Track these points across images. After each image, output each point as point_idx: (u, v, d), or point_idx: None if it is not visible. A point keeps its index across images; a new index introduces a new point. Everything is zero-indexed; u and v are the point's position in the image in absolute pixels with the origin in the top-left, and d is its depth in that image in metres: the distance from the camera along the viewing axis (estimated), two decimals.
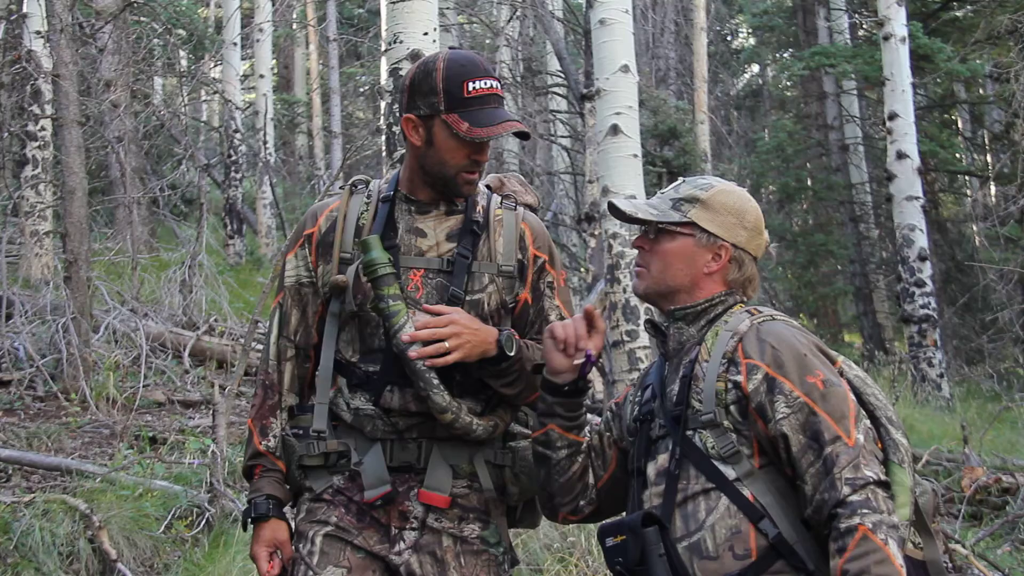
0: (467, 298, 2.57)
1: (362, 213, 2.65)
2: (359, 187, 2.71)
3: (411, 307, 2.53)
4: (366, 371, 2.58)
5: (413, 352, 2.46)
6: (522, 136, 2.60)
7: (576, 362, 2.43)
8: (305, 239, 2.68)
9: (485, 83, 2.52)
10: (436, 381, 2.47)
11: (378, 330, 2.55)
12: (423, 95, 2.54)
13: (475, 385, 2.58)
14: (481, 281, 2.60)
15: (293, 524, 2.65)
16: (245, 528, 2.66)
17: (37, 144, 10.00)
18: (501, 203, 2.70)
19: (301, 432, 2.61)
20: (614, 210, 2.50)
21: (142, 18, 12.53)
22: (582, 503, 2.54)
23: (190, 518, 5.28)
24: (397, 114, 5.47)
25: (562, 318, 2.65)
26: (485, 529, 2.61)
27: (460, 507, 2.59)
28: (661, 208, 2.43)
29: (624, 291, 7.16)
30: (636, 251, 2.49)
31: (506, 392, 2.59)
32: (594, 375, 9.22)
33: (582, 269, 12.39)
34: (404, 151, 5.30)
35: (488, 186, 2.76)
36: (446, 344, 2.46)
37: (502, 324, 2.62)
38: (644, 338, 7.17)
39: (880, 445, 2.23)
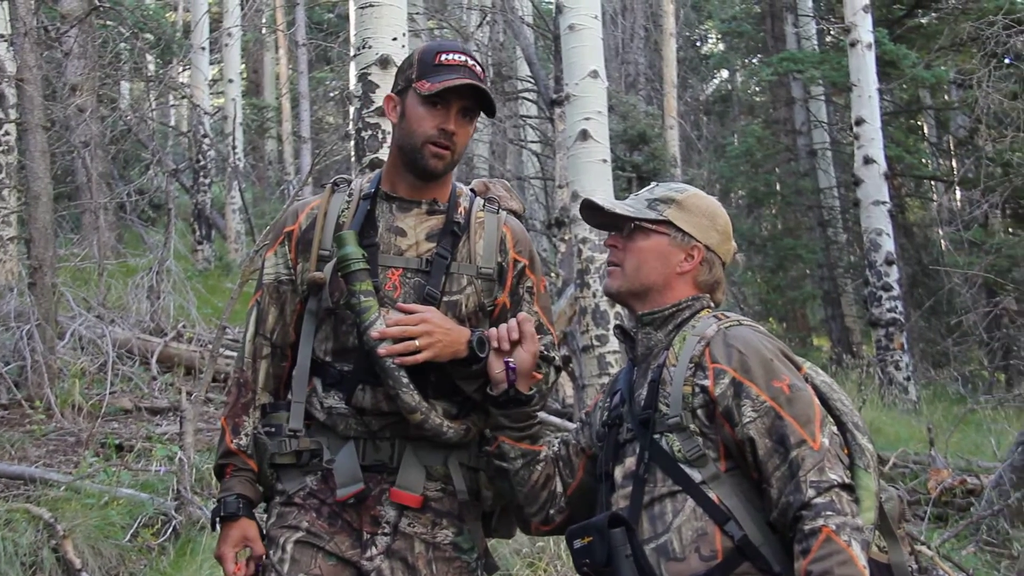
0: (444, 299, 2.56)
1: (343, 211, 2.65)
2: (340, 185, 2.71)
3: (387, 306, 2.52)
4: (340, 370, 2.57)
5: (382, 349, 2.44)
6: (487, 106, 2.59)
7: (498, 371, 2.44)
8: (285, 236, 2.68)
9: (459, 56, 2.56)
10: (406, 380, 2.45)
11: (353, 328, 2.53)
12: (402, 71, 2.62)
13: (450, 387, 2.56)
14: (459, 282, 2.59)
15: (264, 527, 2.62)
16: (214, 527, 2.62)
17: (1, 149, 9.88)
18: (484, 206, 2.70)
19: (273, 430, 2.58)
20: (589, 207, 2.51)
21: (108, 22, 12.43)
22: (552, 512, 2.54)
23: (156, 526, 5.23)
24: (366, 119, 5.47)
25: (540, 324, 2.65)
26: (459, 535, 2.59)
27: (433, 511, 2.57)
28: (636, 207, 2.47)
29: (594, 296, 7.17)
30: (605, 255, 2.50)
31: (478, 397, 2.57)
32: (564, 379, 9.19)
33: (552, 274, 12.40)
34: (373, 156, 5.28)
35: (473, 190, 2.76)
36: (416, 342, 2.44)
37: (479, 327, 2.61)
38: (614, 343, 7.18)
39: (846, 450, 2.26)
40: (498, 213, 2.69)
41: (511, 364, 2.43)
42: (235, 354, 3.90)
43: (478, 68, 2.58)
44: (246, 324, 2.71)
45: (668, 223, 2.43)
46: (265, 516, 2.66)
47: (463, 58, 2.56)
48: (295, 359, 2.63)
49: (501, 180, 2.90)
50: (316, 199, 2.70)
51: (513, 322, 2.45)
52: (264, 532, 2.61)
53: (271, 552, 2.55)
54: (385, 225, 2.61)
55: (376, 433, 2.55)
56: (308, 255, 2.61)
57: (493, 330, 2.47)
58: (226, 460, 2.63)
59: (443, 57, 2.55)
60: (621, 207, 2.47)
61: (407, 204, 2.63)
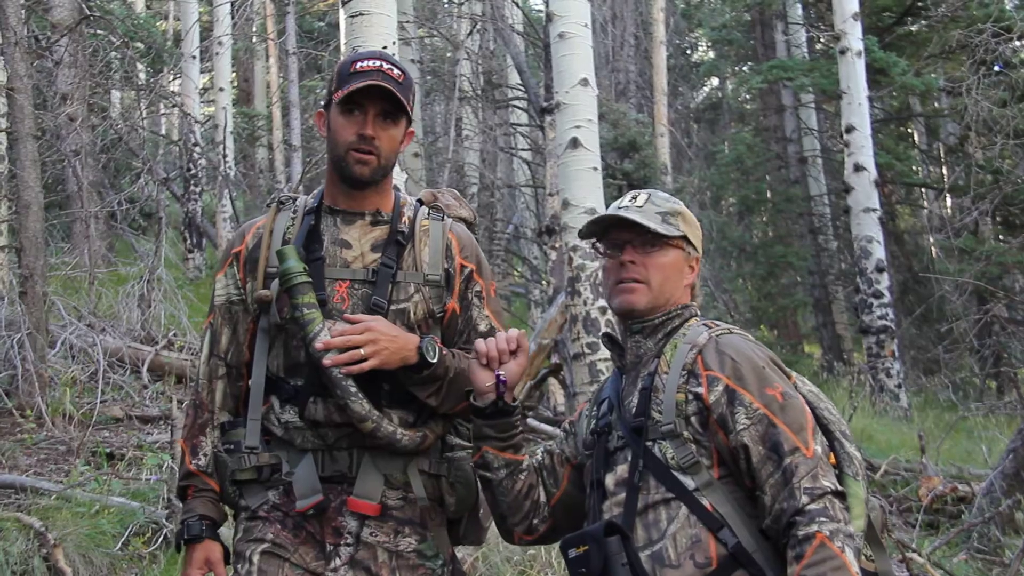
0: (392, 307, 2.57)
1: (288, 228, 2.66)
2: (286, 203, 2.73)
3: (334, 318, 2.53)
4: (294, 385, 2.58)
5: (328, 360, 2.45)
6: (394, 103, 2.57)
7: (488, 383, 2.44)
8: (233, 257, 2.70)
9: (373, 62, 2.58)
10: (354, 389, 2.46)
11: (302, 343, 2.54)
12: (327, 87, 2.65)
13: (405, 396, 2.57)
14: (407, 291, 2.60)
15: (231, 545, 2.63)
16: (179, 550, 2.64)
17: None
18: (429, 214, 2.71)
19: (232, 447, 2.59)
20: (616, 221, 2.44)
21: (99, 31, 12.40)
22: (535, 521, 2.55)
23: (147, 534, 5.22)
24: None
25: (491, 327, 2.67)
26: (422, 542, 2.59)
27: (395, 519, 2.57)
28: (654, 221, 2.43)
29: (585, 304, 7.17)
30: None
31: (431, 403, 2.58)
32: (555, 387, 9.16)
33: (543, 282, 12.41)
34: None
35: (420, 200, 2.78)
36: (361, 351, 2.46)
37: (430, 333, 2.61)
38: (605, 350, 7.18)
39: (834, 458, 2.27)
40: (443, 220, 2.71)
41: (502, 377, 2.43)
42: None
43: (395, 72, 2.59)
44: (200, 346, 2.73)
45: (683, 237, 2.45)
46: (232, 533, 2.67)
47: (377, 63, 2.58)
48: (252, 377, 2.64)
49: (451, 189, 2.92)
50: (262, 219, 2.72)
51: (512, 332, 2.46)
52: (232, 548, 2.63)
53: (239, 566, 2.56)
54: (330, 238, 2.63)
55: (333, 445, 2.56)
56: (256, 274, 2.63)
57: (480, 342, 2.47)
58: (187, 481, 2.65)
59: (358, 65, 2.57)
60: (654, 225, 2.41)
61: (351, 216, 2.65)
